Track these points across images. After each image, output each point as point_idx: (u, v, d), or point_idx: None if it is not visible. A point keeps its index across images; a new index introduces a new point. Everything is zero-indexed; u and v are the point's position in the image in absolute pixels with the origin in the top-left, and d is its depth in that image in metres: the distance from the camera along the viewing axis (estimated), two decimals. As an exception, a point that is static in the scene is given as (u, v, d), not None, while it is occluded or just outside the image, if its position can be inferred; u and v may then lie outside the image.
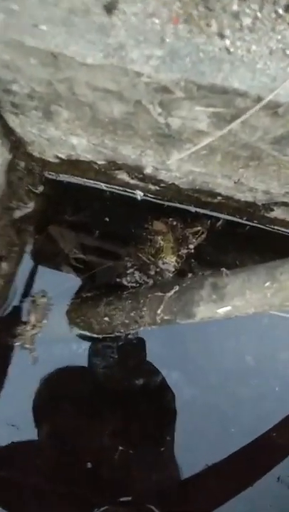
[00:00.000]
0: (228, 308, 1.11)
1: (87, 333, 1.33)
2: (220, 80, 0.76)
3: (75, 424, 1.44)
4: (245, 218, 1.42)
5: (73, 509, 1.33)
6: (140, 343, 1.48)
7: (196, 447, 1.55)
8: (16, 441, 1.38)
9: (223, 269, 1.15)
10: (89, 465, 1.38)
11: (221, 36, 0.76)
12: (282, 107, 0.78)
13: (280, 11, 0.78)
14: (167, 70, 0.76)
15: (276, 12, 0.78)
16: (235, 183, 1.14)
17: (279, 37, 0.77)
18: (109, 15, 0.75)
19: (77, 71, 0.81)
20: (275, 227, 1.41)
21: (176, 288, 1.18)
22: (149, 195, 1.42)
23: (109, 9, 0.75)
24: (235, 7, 0.76)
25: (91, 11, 0.75)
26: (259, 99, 0.77)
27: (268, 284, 1.05)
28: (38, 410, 1.38)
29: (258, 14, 0.77)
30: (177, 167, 1.14)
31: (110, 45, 0.76)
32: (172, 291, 1.18)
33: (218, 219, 1.44)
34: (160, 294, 1.20)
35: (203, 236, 1.44)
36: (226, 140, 0.94)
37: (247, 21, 0.77)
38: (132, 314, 1.24)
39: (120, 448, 1.42)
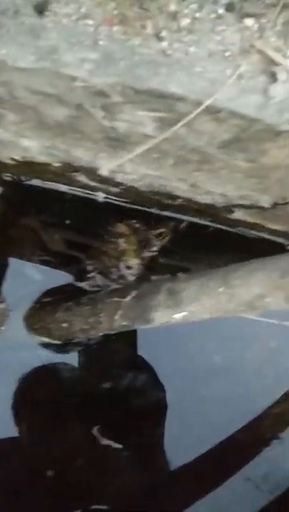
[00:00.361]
0: (184, 313, 1.10)
1: (47, 340, 1.31)
2: (157, 84, 0.74)
3: (56, 424, 1.42)
4: (208, 220, 1.40)
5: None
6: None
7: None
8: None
9: (180, 274, 1.14)
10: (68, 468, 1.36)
11: (158, 38, 0.74)
12: (223, 112, 0.76)
13: (220, 11, 0.75)
14: (102, 73, 0.74)
15: (216, 12, 0.75)
16: (191, 186, 1.12)
17: (219, 38, 0.75)
18: (40, 16, 0.72)
19: (12, 74, 0.78)
20: (238, 228, 1.39)
21: (134, 293, 1.16)
22: (111, 197, 1.39)
23: (40, 10, 0.72)
24: (172, 7, 0.74)
25: (21, 11, 0.72)
26: (198, 103, 0.75)
27: (222, 289, 1.03)
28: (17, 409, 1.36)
29: (197, 15, 0.75)
30: (132, 170, 1.12)
31: (42, 47, 0.73)
32: (129, 297, 1.16)
33: (181, 221, 1.42)
34: (117, 299, 1.18)
35: (167, 238, 1.42)
36: (174, 144, 0.92)
37: (185, 22, 0.74)
38: (90, 320, 1.22)
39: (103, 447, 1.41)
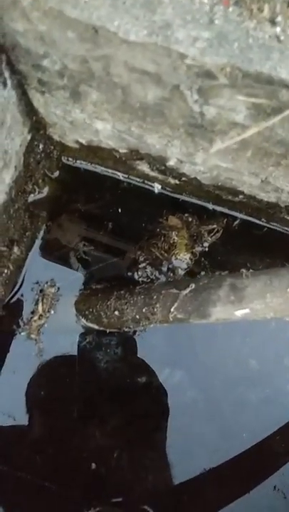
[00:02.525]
0: (246, 311, 1.08)
1: (95, 327, 1.29)
2: (267, 69, 0.73)
3: (67, 419, 1.40)
4: (263, 219, 1.39)
5: (63, 508, 1.29)
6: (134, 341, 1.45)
7: (194, 451, 1.52)
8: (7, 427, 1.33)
9: (243, 271, 1.12)
10: (80, 463, 1.34)
11: (272, 23, 0.73)
12: None
13: None
14: (213, 53, 0.72)
15: None
16: (261, 181, 1.10)
17: None
18: (156, -10, 0.71)
19: (116, 48, 0.77)
20: (294, 231, 1.38)
21: (193, 286, 1.14)
22: (167, 188, 1.38)
23: (158, -16, 0.71)
24: (289, -7, 0.73)
25: (139, -16, 0.71)
26: (306, 92, 0.73)
27: (290, 288, 1.01)
28: (31, 398, 1.34)
29: (313, 3, 0.73)
30: (203, 161, 1.11)
31: (156, 22, 0.72)
32: (188, 290, 1.14)
33: (234, 218, 1.40)
34: (175, 291, 1.16)
35: (218, 235, 1.40)
36: (261, 134, 0.90)
37: (300, 9, 0.73)
38: (144, 310, 1.20)
39: (113, 446, 1.38)
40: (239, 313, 1.08)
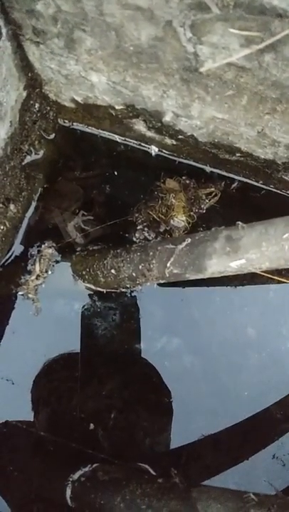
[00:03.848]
0: (242, 261, 1.07)
1: (92, 287, 1.29)
2: (260, -4, 0.72)
3: (71, 386, 1.40)
4: (261, 182, 1.39)
5: (63, 463, 1.28)
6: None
7: (192, 415, 1.52)
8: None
9: (239, 223, 1.11)
10: (82, 424, 1.33)
11: None
12: None
13: None
14: (205, -20, 0.72)
15: None
16: (258, 132, 1.10)
17: None
18: None
19: (108, -20, 0.77)
20: (292, 192, 1.37)
21: (188, 240, 1.14)
22: (164, 151, 1.38)
23: None
24: None
25: None
26: (299, 20, 0.73)
27: (286, 235, 1.01)
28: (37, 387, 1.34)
29: None
30: (199, 112, 1.10)
31: None
32: (184, 244, 1.14)
33: (232, 180, 1.40)
34: (171, 246, 1.16)
35: (216, 198, 1.40)
36: (255, 76, 0.90)
37: None
38: (140, 267, 1.20)
39: (115, 410, 1.38)
40: (235, 264, 1.07)
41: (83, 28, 0.93)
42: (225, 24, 0.79)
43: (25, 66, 1.12)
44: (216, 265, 1.10)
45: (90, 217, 1.41)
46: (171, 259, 1.15)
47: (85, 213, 1.41)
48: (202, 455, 1.47)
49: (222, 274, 1.12)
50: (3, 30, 0.99)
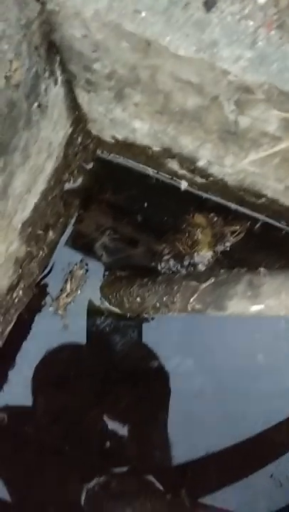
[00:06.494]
0: (261, 306, 1.16)
1: (117, 310, 1.38)
2: (302, 89, 0.80)
3: (90, 393, 1.50)
4: (283, 222, 1.46)
5: (66, 477, 1.40)
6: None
7: (198, 434, 1.61)
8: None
9: (261, 269, 1.20)
10: (85, 436, 1.44)
11: (310, 47, 0.80)
12: None
13: None
14: (254, 71, 0.80)
15: None
16: (285, 187, 1.17)
17: None
18: (207, 11, 0.78)
19: (165, 60, 0.85)
20: (312, 236, 1.45)
21: (212, 280, 1.23)
22: (194, 186, 1.45)
23: (209, 6, 0.78)
24: None
25: (191, 5, 0.78)
26: None
27: (304, 288, 1.09)
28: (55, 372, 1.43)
29: None
30: (232, 164, 1.18)
31: (204, 40, 0.79)
32: (208, 283, 1.23)
33: (256, 220, 1.48)
34: (195, 283, 1.24)
35: (241, 235, 1.48)
36: (287, 145, 0.98)
37: None
38: (165, 299, 1.29)
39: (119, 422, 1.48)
40: (254, 308, 1.16)
41: (134, 87, 1.01)
42: (267, 104, 0.87)
43: (74, 106, 1.21)
44: (236, 306, 1.19)
45: (117, 237, 1.49)
46: (195, 296, 1.24)
47: (115, 231, 1.50)
48: (206, 471, 1.57)
49: (240, 316, 1.21)
50: (59, 79, 1.07)
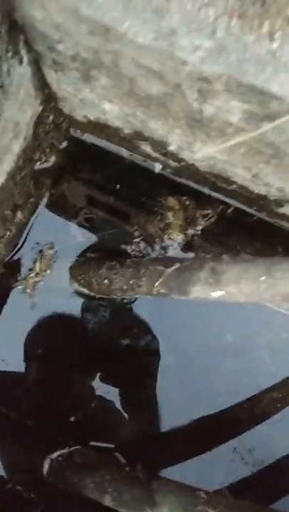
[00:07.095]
0: (222, 293, 1.18)
1: (86, 291, 1.40)
2: (260, 82, 0.79)
3: (61, 369, 1.54)
4: (254, 209, 1.47)
5: (42, 445, 1.46)
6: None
7: (164, 410, 1.68)
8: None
9: (224, 256, 1.21)
10: (68, 408, 1.50)
11: (271, 39, 0.78)
12: (314, 119, 0.81)
13: None
14: (213, 62, 0.79)
15: None
16: (253, 176, 1.18)
17: None
18: (167, -3, 0.76)
19: (125, 46, 0.83)
20: (282, 223, 1.46)
21: (177, 265, 1.25)
22: (167, 169, 1.45)
23: (168, -8, 0.76)
24: (289, 11, 0.78)
25: (150, -10, 0.76)
26: (293, 107, 0.80)
27: (263, 278, 1.11)
28: (29, 348, 1.48)
29: (311, 23, 0.79)
30: (200, 150, 1.17)
31: (163, 28, 0.77)
32: (173, 268, 1.25)
33: (228, 205, 1.48)
34: (161, 268, 1.26)
35: (212, 220, 1.49)
36: (253, 137, 0.97)
37: (298, 28, 0.78)
38: (131, 282, 1.31)
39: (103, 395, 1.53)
40: (215, 294, 1.18)
41: (99, 70, 0.99)
42: (228, 95, 0.86)
43: (42, 85, 1.18)
44: (199, 292, 1.21)
45: (92, 216, 1.50)
46: (160, 280, 1.26)
47: (88, 212, 1.50)
48: (170, 444, 1.64)
49: (203, 301, 1.24)
50: (25, 59, 1.05)
